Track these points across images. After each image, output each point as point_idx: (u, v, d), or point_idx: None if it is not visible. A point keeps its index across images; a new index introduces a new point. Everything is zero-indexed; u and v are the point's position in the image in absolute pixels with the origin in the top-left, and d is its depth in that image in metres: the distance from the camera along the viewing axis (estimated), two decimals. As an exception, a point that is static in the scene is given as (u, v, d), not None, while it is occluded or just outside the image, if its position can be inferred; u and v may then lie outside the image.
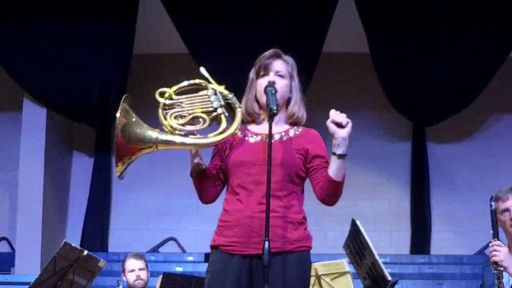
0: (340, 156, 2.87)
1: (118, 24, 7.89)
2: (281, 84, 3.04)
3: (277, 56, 3.11)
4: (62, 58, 7.93)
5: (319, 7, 7.59)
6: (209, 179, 3.05)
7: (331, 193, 2.94)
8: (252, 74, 3.13)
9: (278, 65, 3.09)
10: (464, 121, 8.54)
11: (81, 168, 8.91)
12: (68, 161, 8.96)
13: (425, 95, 7.96)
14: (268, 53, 3.12)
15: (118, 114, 2.88)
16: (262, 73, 3.08)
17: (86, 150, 8.97)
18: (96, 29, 7.92)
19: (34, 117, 8.21)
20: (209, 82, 3.04)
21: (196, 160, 3.02)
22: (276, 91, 2.98)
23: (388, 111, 8.41)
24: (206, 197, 3.08)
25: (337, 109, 2.91)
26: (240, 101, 3.07)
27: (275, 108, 2.88)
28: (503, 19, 7.59)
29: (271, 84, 3.01)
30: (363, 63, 8.30)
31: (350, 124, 2.85)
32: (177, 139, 2.90)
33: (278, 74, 3.07)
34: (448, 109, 8.21)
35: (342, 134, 2.84)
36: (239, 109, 3.01)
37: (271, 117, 2.87)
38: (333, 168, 2.89)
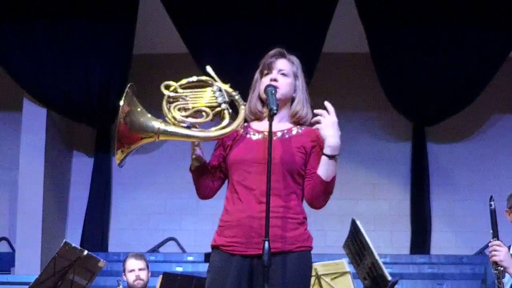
0: (329, 157, 2.87)
1: (118, 24, 7.88)
2: (283, 82, 3.04)
3: (281, 55, 3.12)
4: (62, 58, 7.93)
5: (319, 7, 7.58)
6: (208, 174, 3.06)
7: (318, 193, 2.94)
8: (257, 74, 3.14)
9: (282, 63, 3.09)
10: (464, 121, 8.54)
11: (81, 168, 8.91)
12: (68, 161, 8.96)
13: (425, 95, 7.96)
14: (272, 52, 3.13)
15: (122, 102, 2.89)
16: (265, 71, 3.09)
17: (86, 150, 8.97)
18: (96, 29, 7.91)
19: (34, 117, 8.21)
20: (215, 81, 3.06)
21: (197, 152, 3.03)
22: (276, 91, 2.98)
23: (388, 111, 8.41)
24: (204, 192, 3.08)
25: (337, 109, 2.92)
26: (245, 100, 3.08)
27: (275, 108, 2.88)
28: (503, 19, 7.59)
29: (273, 81, 3.02)
30: (363, 63, 8.30)
31: (332, 112, 2.89)
32: (179, 130, 2.92)
33: (281, 72, 3.07)
34: (448, 109, 8.20)
35: (326, 122, 2.87)
36: (242, 107, 3.03)
37: (270, 117, 2.87)
38: (322, 168, 2.90)
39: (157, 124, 2.91)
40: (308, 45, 7.60)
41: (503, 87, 8.48)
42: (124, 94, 2.91)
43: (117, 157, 2.94)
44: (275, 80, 3.03)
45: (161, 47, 8.72)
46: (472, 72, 7.85)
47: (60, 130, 8.66)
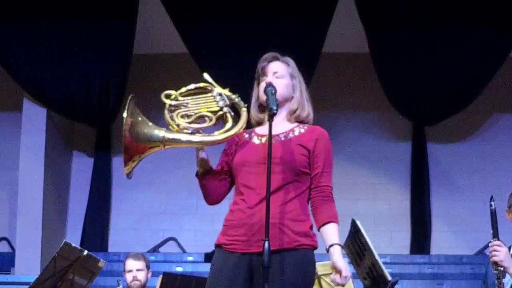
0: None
1: (118, 24, 7.89)
2: (279, 84, 3.05)
3: (273, 58, 3.14)
4: (62, 58, 7.93)
5: (319, 7, 7.59)
6: (215, 179, 3.08)
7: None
8: (255, 82, 3.15)
9: (275, 66, 3.11)
10: (464, 121, 8.54)
11: (81, 168, 8.91)
12: (68, 161, 8.95)
13: (425, 95, 7.96)
14: (264, 56, 3.15)
15: (125, 114, 2.90)
16: (261, 77, 3.11)
17: (86, 150, 8.97)
18: (96, 29, 7.92)
19: (34, 117, 8.21)
20: (214, 86, 3.07)
21: (201, 155, 3.04)
22: (275, 91, 2.99)
23: (388, 111, 8.41)
24: (211, 197, 3.11)
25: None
26: (245, 102, 3.08)
27: (274, 108, 2.89)
28: (503, 19, 7.59)
29: (269, 84, 3.02)
30: (363, 63, 8.30)
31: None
32: (184, 137, 2.94)
33: (275, 75, 3.08)
34: (448, 109, 8.20)
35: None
36: (244, 109, 3.04)
37: (271, 117, 2.88)
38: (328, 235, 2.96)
39: (161, 132, 2.92)
40: (308, 45, 7.61)
41: (503, 87, 8.48)
42: (126, 107, 2.92)
43: (126, 168, 2.96)
44: (270, 83, 3.04)
45: (161, 47, 8.72)
46: (472, 72, 7.85)
47: (60, 130, 8.66)
